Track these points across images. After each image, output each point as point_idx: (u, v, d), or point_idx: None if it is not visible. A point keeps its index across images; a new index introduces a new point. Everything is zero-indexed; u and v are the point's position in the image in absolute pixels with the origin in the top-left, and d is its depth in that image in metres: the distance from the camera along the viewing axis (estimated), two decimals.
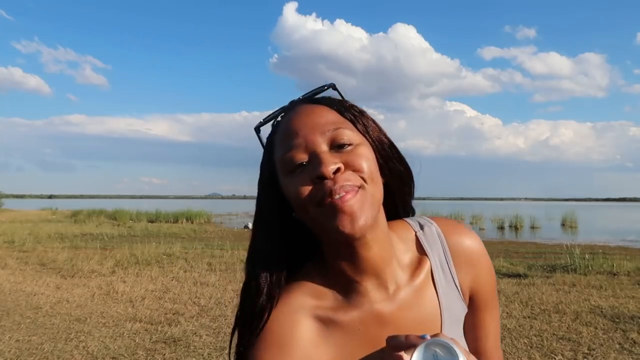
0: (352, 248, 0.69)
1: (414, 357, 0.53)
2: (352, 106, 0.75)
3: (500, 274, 7.59)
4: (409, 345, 0.55)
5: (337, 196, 0.64)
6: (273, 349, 0.68)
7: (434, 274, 0.77)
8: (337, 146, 0.68)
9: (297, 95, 0.79)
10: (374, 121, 0.76)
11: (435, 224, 0.81)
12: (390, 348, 0.58)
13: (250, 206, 0.80)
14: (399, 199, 0.80)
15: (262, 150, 0.78)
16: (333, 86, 0.79)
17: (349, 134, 0.69)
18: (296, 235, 0.76)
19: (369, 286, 0.72)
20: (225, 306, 5.78)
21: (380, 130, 0.77)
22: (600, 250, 10.51)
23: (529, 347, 4.15)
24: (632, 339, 4.29)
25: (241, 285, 0.75)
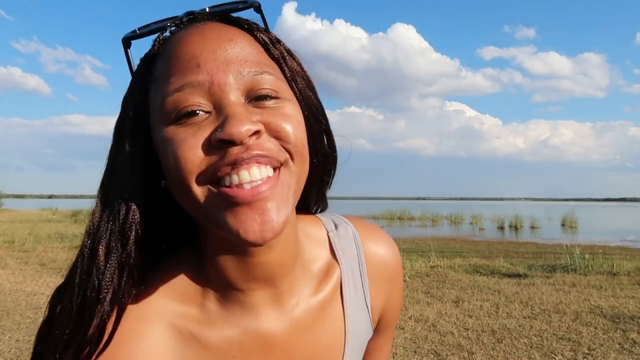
0: (244, 248, 0.50)
1: None
2: (280, 40, 0.53)
3: (500, 274, 7.60)
4: None
5: (246, 183, 0.44)
6: None
7: (343, 288, 0.60)
8: (255, 97, 0.47)
9: None
10: (302, 68, 0.54)
11: (351, 224, 0.65)
12: None
13: None
14: (316, 187, 0.59)
15: (129, 75, 0.53)
16: (258, 6, 0.54)
17: (276, 83, 0.48)
18: (167, 210, 0.53)
19: (259, 298, 0.53)
20: None
21: (310, 84, 0.54)
22: (600, 251, 10.50)
23: (529, 347, 4.15)
24: (632, 339, 4.29)
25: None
